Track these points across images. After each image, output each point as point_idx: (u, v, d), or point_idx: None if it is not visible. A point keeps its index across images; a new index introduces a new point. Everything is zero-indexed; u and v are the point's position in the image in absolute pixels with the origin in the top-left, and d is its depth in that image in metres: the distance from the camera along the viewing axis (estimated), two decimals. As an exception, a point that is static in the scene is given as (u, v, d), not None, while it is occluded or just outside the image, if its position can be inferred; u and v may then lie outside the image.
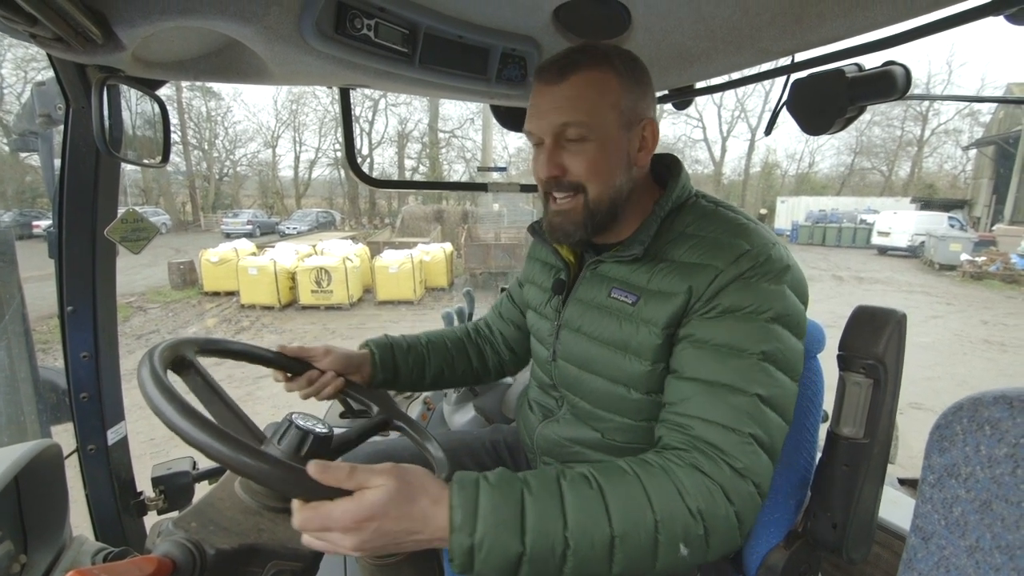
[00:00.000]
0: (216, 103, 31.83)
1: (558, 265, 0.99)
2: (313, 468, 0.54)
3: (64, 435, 1.14)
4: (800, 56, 1.07)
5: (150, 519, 1.23)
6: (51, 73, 0.96)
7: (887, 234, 19.27)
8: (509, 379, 1.54)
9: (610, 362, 0.85)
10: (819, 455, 0.92)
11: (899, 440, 2.26)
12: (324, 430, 0.66)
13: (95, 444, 1.12)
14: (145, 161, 1.03)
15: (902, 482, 1.61)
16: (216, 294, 10.65)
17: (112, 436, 1.14)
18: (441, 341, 1.14)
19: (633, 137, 0.83)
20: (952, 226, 17.62)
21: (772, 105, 1.19)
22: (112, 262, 1.11)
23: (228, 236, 19.61)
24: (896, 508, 1.22)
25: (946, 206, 23.57)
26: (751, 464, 0.66)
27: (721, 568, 0.95)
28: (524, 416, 1.07)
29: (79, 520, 1.03)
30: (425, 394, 1.63)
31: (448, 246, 12.48)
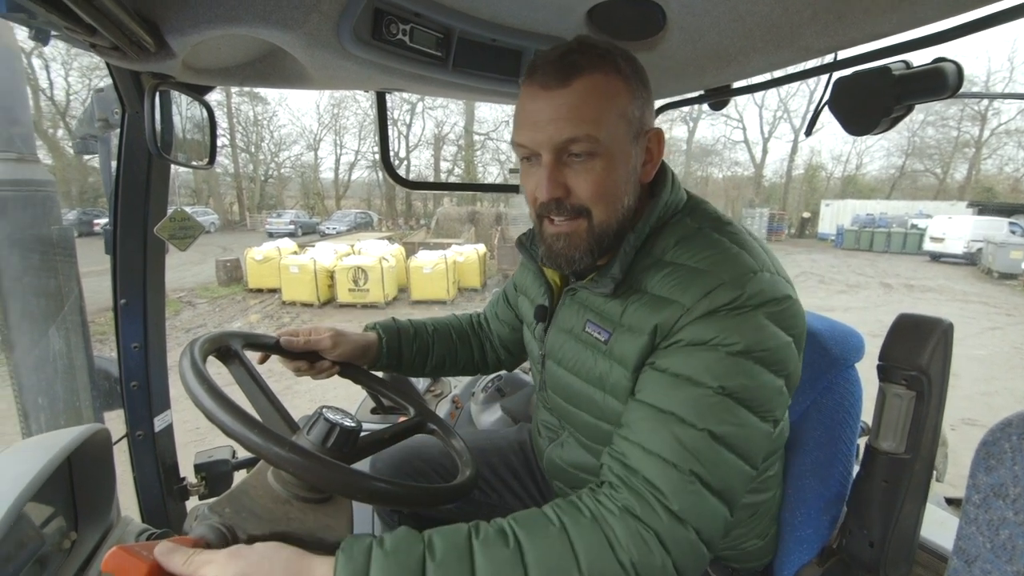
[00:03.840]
0: (263, 107, 33.12)
1: (543, 287, 0.92)
2: (159, 549, 0.49)
3: (115, 421, 1.21)
4: (843, 53, 1.03)
5: (192, 504, 1.30)
6: (110, 80, 1.02)
7: (940, 240, 18.24)
8: None
9: (591, 399, 0.79)
10: (856, 469, 0.88)
11: (948, 458, 2.13)
12: (352, 424, 0.68)
13: (143, 430, 1.18)
14: (193, 163, 1.08)
15: (950, 502, 1.52)
16: (259, 291, 11.05)
17: (159, 423, 1.20)
18: (446, 330, 1.13)
19: (640, 150, 0.74)
20: (1013, 232, 16.53)
21: (816, 103, 1.15)
22: (161, 259, 1.17)
23: (271, 236, 20.30)
24: (941, 529, 1.16)
25: (1007, 211, 22.13)
26: (691, 507, 0.58)
27: None
28: (535, 436, 1.04)
29: (128, 502, 1.09)
30: (454, 392, 1.65)
31: (481, 247, 12.56)
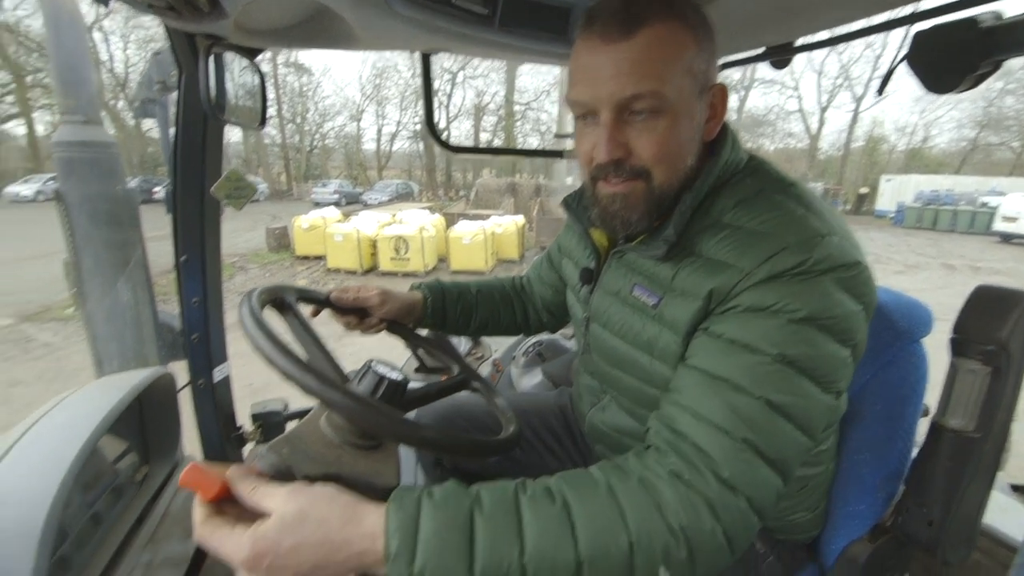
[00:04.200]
0: (307, 78, 33.62)
1: (588, 250, 0.89)
2: (231, 471, 0.52)
3: (178, 372, 1.29)
4: (925, 4, 0.94)
5: (248, 450, 1.38)
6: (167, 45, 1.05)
7: (1014, 219, 16.77)
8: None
9: (637, 363, 0.77)
10: (915, 448, 0.84)
11: (1011, 446, 2.01)
12: (399, 377, 0.70)
13: (203, 380, 1.25)
14: (245, 124, 1.11)
15: (1015, 488, 1.44)
16: (306, 258, 11.42)
17: (217, 374, 1.27)
18: (490, 292, 1.13)
19: (704, 106, 0.70)
20: (1101, 212, 15.09)
21: (883, 71, 1.05)
22: (217, 217, 1.22)
23: (317, 205, 20.85)
24: (1005, 516, 1.10)
25: (1096, 188, 20.12)
26: (742, 475, 0.56)
27: (796, 556, 0.91)
28: (576, 400, 1.04)
29: (191, 448, 1.17)
30: (495, 356, 1.67)
31: (520, 219, 12.50)
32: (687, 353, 0.68)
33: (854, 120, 32.15)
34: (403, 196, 28.50)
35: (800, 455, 0.60)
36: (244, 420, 1.41)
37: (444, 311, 1.04)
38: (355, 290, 0.94)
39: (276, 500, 0.50)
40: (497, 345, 1.75)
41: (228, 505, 0.51)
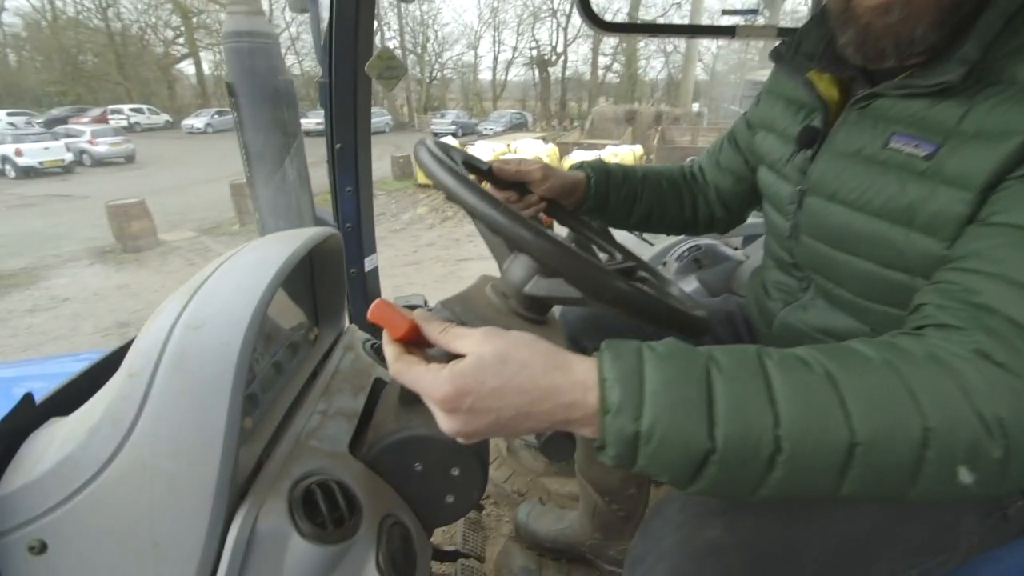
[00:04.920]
0: (428, 6, 33.61)
1: (811, 104, 0.74)
2: (417, 313, 0.47)
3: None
4: None
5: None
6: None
7: None
8: (740, 254, 1.37)
9: (882, 240, 0.62)
10: None
11: None
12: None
13: (356, 268, 1.32)
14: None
15: None
16: (427, 186, 11.90)
17: (368, 264, 1.33)
18: (657, 179, 1.00)
19: None
20: None
21: None
22: (368, 107, 1.23)
23: (436, 135, 21.41)
24: None
25: None
26: None
27: None
28: (758, 300, 0.90)
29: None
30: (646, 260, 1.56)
31: (638, 148, 11.78)
32: (990, 210, 0.52)
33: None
34: (517, 126, 28.34)
35: None
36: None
37: (607, 194, 0.94)
38: (516, 163, 0.88)
39: (470, 341, 0.44)
40: (646, 249, 1.62)
41: (413, 349, 0.48)
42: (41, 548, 0.46)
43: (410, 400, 0.65)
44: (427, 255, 7.47)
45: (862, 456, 0.39)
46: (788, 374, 0.41)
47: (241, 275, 0.55)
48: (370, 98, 1.21)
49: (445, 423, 0.43)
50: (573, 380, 0.42)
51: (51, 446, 0.48)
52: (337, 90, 1.17)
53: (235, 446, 0.48)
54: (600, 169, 0.94)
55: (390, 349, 0.47)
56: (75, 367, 0.66)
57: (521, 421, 0.42)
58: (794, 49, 0.74)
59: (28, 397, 0.53)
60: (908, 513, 0.60)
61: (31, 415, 0.53)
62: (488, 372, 0.42)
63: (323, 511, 0.52)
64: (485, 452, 0.67)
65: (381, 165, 14.31)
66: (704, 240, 1.49)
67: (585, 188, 0.92)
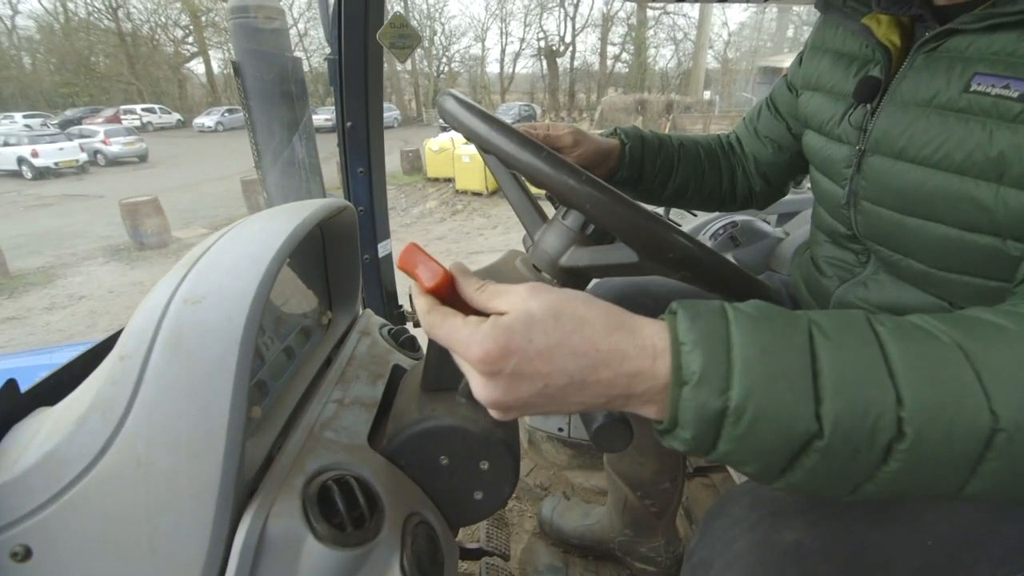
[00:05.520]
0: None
1: (867, 55, 0.66)
2: (454, 265, 0.40)
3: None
4: None
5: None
6: None
7: None
8: (780, 231, 1.28)
9: (965, 199, 0.54)
10: None
11: None
12: None
13: (369, 254, 1.26)
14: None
15: None
16: (436, 180, 11.86)
17: (381, 250, 1.28)
18: (694, 148, 0.92)
19: None
20: None
21: None
22: (380, 83, 1.16)
23: (444, 129, 21.33)
24: None
25: None
26: None
27: None
28: (808, 278, 0.83)
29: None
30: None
31: (652, 138, 11.63)
32: None
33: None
34: (526, 118, 28.08)
35: None
36: (403, 301, 1.43)
37: (642, 163, 0.86)
38: (545, 127, 0.80)
39: (514, 296, 0.37)
40: (679, 223, 1.54)
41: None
42: (25, 554, 0.41)
43: (433, 387, 0.59)
44: (438, 248, 7.46)
45: (1004, 446, 0.31)
46: (909, 344, 0.33)
47: (246, 245, 0.49)
48: (381, 73, 1.15)
49: (482, 390, 0.36)
50: (639, 343, 0.34)
51: (35, 439, 0.43)
52: (347, 64, 1.11)
53: (241, 438, 0.43)
54: (635, 136, 0.86)
55: (421, 301, 0.39)
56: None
57: (573, 392, 0.35)
58: None
59: (12, 383, 0.47)
60: (1008, 508, 0.52)
61: (15, 404, 0.48)
62: (538, 329, 0.34)
63: (341, 510, 0.47)
64: (516, 444, 0.61)
65: (391, 159, 14.19)
66: (740, 216, 1.41)
67: (619, 156, 0.85)
